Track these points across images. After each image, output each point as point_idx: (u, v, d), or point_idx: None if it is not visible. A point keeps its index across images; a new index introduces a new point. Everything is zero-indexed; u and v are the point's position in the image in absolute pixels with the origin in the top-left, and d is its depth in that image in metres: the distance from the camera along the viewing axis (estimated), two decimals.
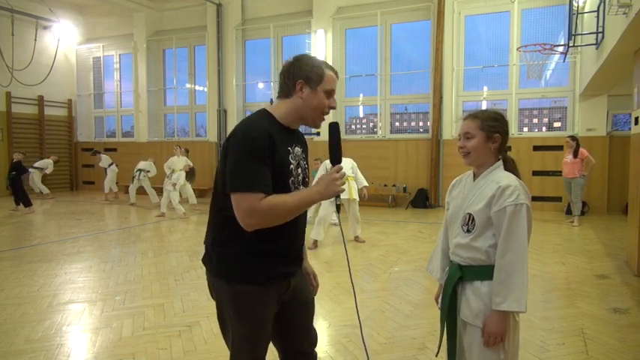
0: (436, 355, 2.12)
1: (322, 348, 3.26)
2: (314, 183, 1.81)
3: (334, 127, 1.81)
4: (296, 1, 12.68)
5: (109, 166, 12.61)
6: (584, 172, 8.50)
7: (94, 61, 15.78)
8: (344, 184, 1.74)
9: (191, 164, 10.28)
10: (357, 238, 7.13)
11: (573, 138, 8.60)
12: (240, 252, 1.74)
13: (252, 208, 1.62)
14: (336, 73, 1.82)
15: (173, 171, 10.05)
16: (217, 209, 1.80)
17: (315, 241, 6.65)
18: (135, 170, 11.42)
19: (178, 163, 10.13)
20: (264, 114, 1.79)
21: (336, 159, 1.79)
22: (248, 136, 1.66)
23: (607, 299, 4.37)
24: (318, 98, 1.77)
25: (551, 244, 6.83)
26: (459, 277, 1.88)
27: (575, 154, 8.44)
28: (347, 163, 7.08)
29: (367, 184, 7.36)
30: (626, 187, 6.65)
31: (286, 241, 1.82)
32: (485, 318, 1.79)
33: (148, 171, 11.41)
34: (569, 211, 9.69)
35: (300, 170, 1.83)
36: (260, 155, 1.64)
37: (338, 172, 1.71)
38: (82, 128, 15.97)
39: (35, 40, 14.16)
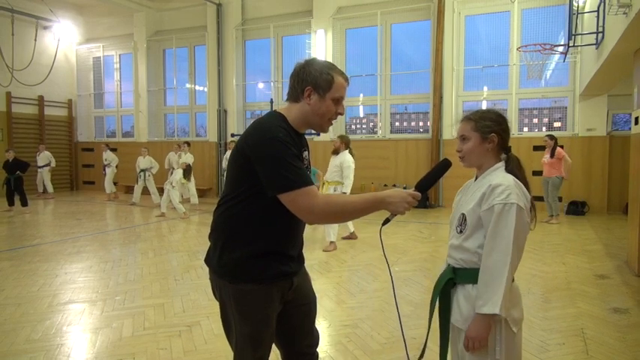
0: (420, 358, 2.01)
1: (322, 348, 3.26)
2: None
3: (445, 164, 1.82)
4: (296, 1, 12.68)
5: (109, 164, 12.68)
6: (564, 173, 8.48)
7: (94, 61, 15.78)
8: (409, 210, 1.72)
9: (188, 161, 10.26)
10: (327, 247, 6.50)
11: (551, 137, 8.62)
12: (243, 251, 1.75)
13: (311, 204, 1.64)
14: (346, 79, 1.81)
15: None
16: (222, 209, 1.81)
17: (352, 233, 7.15)
18: (138, 171, 11.45)
19: (180, 160, 10.21)
20: (279, 117, 1.78)
21: (422, 186, 1.79)
22: (278, 137, 1.66)
23: (607, 299, 4.37)
24: (325, 105, 1.76)
25: (551, 244, 6.83)
26: (449, 279, 1.84)
27: (552, 154, 8.46)
28: (335, 160, 6.57)
29: (347, 192, 6.36)
30: (626, 187, 6.65)
31: (288, 239, 1.82)
32: (470, 321, 1.74)
33: (151, 167, 11.45)
34: (568, 212, 9.72)
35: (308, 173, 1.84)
36: (294, 153, 1.67)
37: (414, 198, 1.71)
38: (82, 128, 15.98)
39: (35, 40, 14.15)
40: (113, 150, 14.90)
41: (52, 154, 13.39)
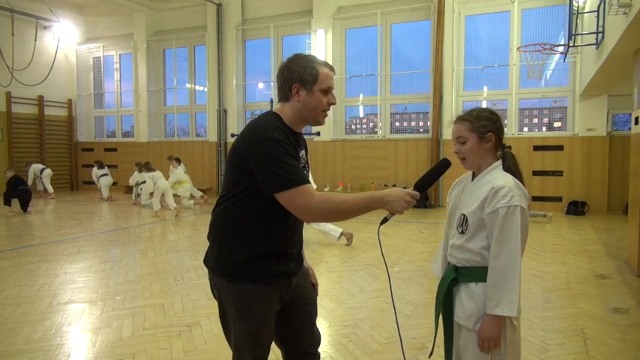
0: (429, 356, 2.09)
1: (322, 348, 3.24)
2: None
3: (444, 163, 1.81)
4: (296, 1, 12.68)
5: (100, 177, 12.72)
6: None
7: (94, 61, 15.77)
8: (407, 209, 1.71)
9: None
10: (347, 241, 6.70)
11: None
12: (241, 251, 1.75)
13: (308, 202, 1.64)
14: (331, 68, 1.81)
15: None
16: (219, 209, 1.81)
17: (346, 234, 6.66)
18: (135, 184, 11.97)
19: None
20: (275, 116, 1.79)
21: (421, 186, 1.78)
22: (273, 136, 1.67)
23: (607, 299, 4.37)
24: (315, 98, 1.77)
25: (551, 244, 6.83)
26: (453, 278, 1.86)
27: None
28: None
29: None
30: (626, 187, 6.66)
31: (286, 239, 1.83)
32: (481, 322, 1.76)
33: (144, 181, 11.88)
34: (568, 212, 9.74)
35: (305, 172, 1.84)
36: (289, 152, 1.68)
37: (413, 197, 1.70)
38: (82, 128, 15.96)
39: (35, 40, 14.14)
40: (112, 150, 14.97)
41: (52, 154, 13.35)
